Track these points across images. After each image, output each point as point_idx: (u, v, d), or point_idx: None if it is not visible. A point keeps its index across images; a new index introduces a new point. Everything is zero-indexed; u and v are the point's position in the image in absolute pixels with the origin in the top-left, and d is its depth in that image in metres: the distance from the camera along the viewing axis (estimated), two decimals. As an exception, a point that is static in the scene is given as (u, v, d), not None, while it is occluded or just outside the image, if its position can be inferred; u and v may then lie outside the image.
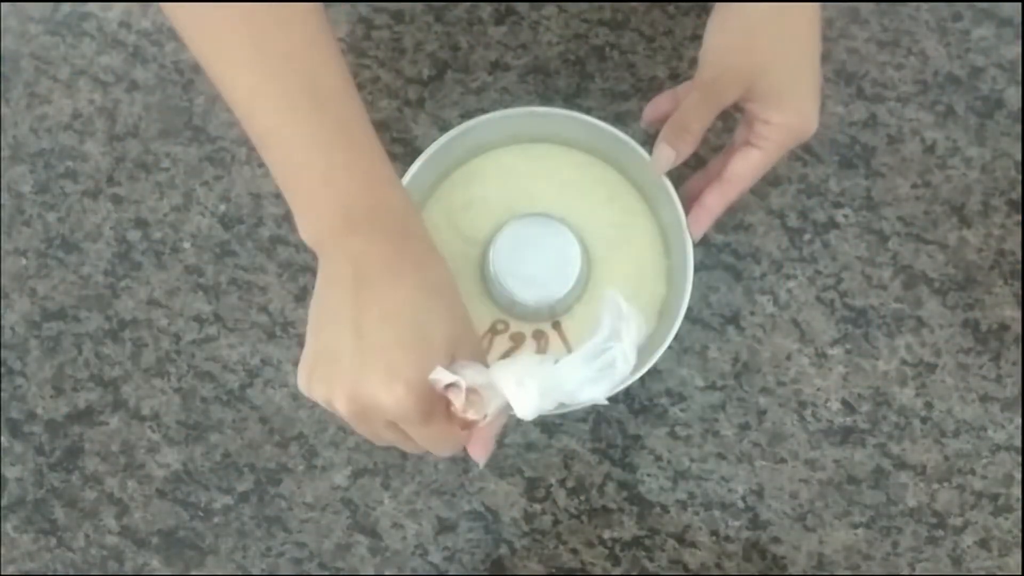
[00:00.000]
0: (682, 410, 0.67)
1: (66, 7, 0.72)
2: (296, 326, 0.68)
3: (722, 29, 0.54)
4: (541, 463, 0.66)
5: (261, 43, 0.46)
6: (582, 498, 0.66)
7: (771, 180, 0.69)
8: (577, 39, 0.71)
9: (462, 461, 0.66)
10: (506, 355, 0.61)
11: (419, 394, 0.43)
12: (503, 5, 0.71)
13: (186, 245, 0.69)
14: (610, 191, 0.63)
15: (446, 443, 0.47)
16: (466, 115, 0.70)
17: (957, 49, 0.70)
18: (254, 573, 0.66)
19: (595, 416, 0.67)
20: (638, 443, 0.66)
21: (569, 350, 0.61)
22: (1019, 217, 0.68)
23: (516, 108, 0.61)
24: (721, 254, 0.68)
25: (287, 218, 0.69)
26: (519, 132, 0.62)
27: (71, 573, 0.66)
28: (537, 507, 0.66)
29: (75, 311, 0.69)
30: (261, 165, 0.70)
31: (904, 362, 0.67)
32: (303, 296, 0.68)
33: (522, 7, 0.71)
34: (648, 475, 0.66)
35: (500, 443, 0.66)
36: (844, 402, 0.66)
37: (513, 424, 0.67)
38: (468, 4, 0.71)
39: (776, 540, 0.65)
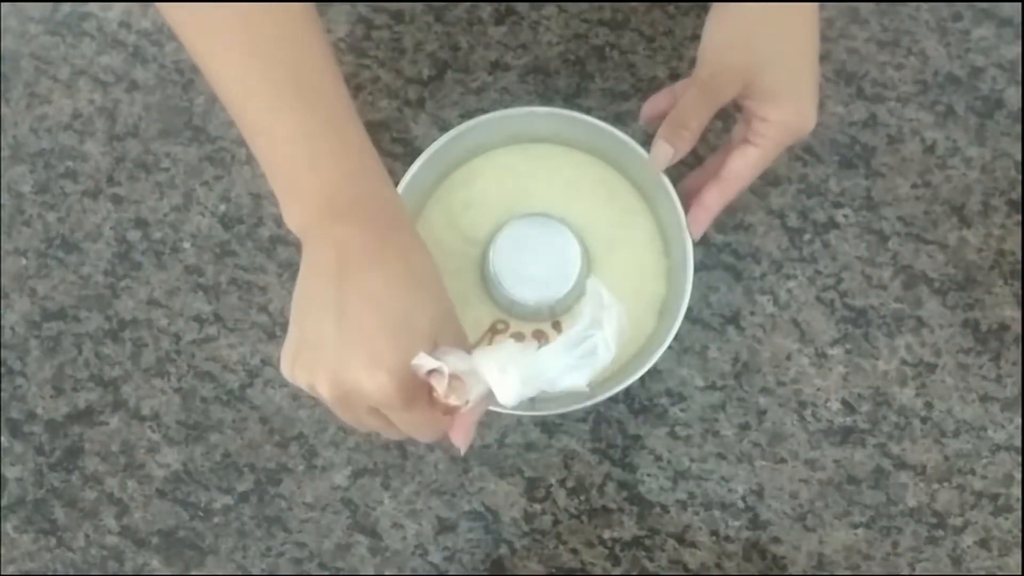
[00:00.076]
0: (682, 410, 0.67)
1: (66, 7, 0.72)
2: (296, 326, 0.68)
3: (720, 27, 0.55)
4: (541, 463, 0.66)
5: (250, 34, 0.47)
6: (582, 498, 0.66)
7: (771, 180, 0.69)
8: (577, 39, 0.71)
9: (462, 461, 0.66)
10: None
11: (401, 380, 0.44)
12: (503, 5, 0.71)
13: (186, 245, 0.69)
14: (610, 191, 0.63)
15: (428, 429, 0.47)
16: (466, 115, 0.70)
17: (957, 49, 0.70)
18: (254, 573, 0.66)
19: (595, 416, 0.67)
20: (638, 443, 0.66)
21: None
22: (1019, 217, 0.68)
23: (516, 108, 0.61)
24: (721, 254, 0.68)
25: (287, 218, 0.69)
26: (519, 132, 0.62)
27: (71, 573, 0.66)
28: (537, 507, 0.66)
29: (75, 311, 0.69)
30: (261, 165, 0.70)
31: (904, 362, 0.67)
32: (303, 296, 0.68)
33: (522, 7, 0.71)
34: (648, 475, 0.66)
35: (500, 443, 0.66)
36: (844, 402, 0.66)
37: (513, 424, 0.67)
38: (468, 4, 0.71)
39: (776, 540, 0.65)
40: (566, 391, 0.45)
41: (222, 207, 0.70)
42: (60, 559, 0.66)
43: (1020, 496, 0.65)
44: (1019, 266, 0.68)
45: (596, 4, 0.71)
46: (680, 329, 0.57)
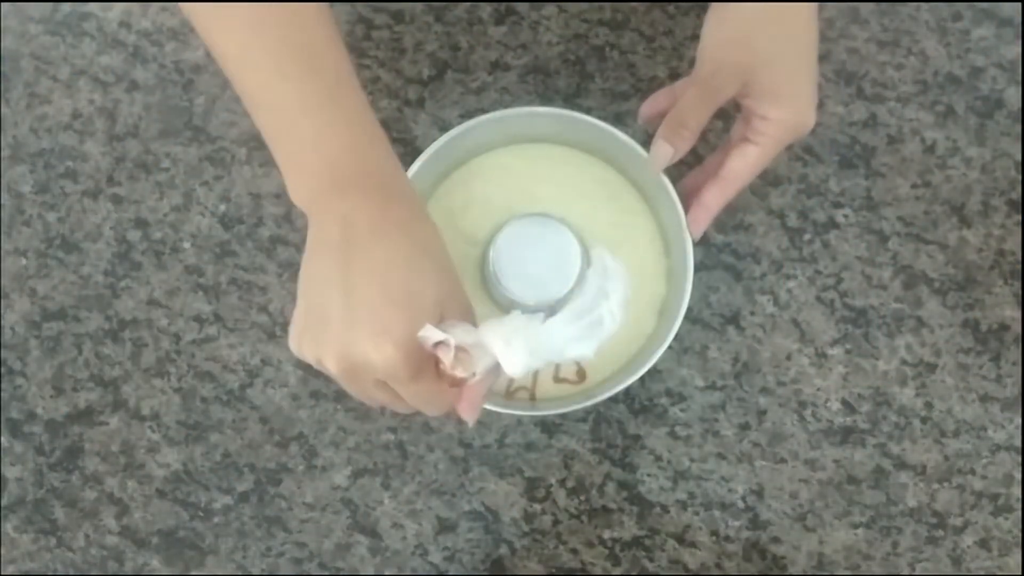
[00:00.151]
0: (682, 410, 0.67)
1: (66, 7, 0.72)
2: (296, 326, 0.68)
3: (720, 25, 0.55)
4: (541, 463, 0.66)
5: (253, 7, 0.47)
6: (582, 498, 0.66)
7: (771, 180, 0.69)
8: (577, 39, 0.71)
9: (462, 461, 0.66)
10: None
11: (408, 352, 0.44)
12: (503, 5, 0.71)
13: (186, 245, 0.69)
14: (610, 191, 0.63)
15: (435, 401, 0.47)
16: (466, 115, 0.70)
17: (957, 49, 0.70)
18: (254, 573, 0.66)
19: (595, 416, 0.67)
20: (638, 443, 0.66)
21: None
22: (1019, 217, 0.68)
23: (516, 108, 0.61)
24: (721, 254, 0.68)
25: (287, 218, 0.69)
26: (519, 132, 0.62)
27: (71, 573, 0.66)
28: (537, 507, 0.66)
29: (75, 311, 0.69)
30: (262, 165, 0.70)
31: (904, 362, 0.67)
32: (303, 296, 0.68)
33: (522, 7, 0.71)
34: (648, 475, 0.66)
35: (500, 443, 0.66)
36: (844, 402, 0.67)
37: (513, 424, 0.67)
38: (468, 4, 0.71)
39: (776, 540, 0.65)
40: (573, 360, 0.45)
41: (222, 207, 0.70)
42: (60, 559, 0.66)
43: (1020, 496, 0.65)
44: (1019, 266, 0.68)
45: (596, 4, 0.71)
46: (680, 329, 0.57)
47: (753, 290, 0.68)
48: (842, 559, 0.65)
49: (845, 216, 0.68)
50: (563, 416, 0.67)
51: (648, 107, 0.59)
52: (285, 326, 0.68)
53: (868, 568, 0.65)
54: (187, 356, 0.68)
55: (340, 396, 0.67)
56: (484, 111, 0.60)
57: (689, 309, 0.57)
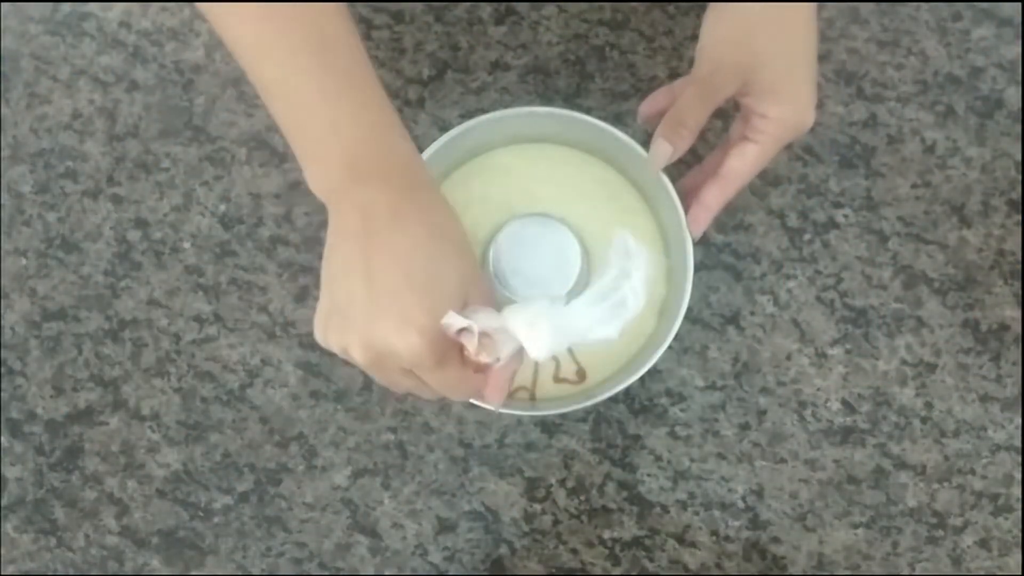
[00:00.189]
0: (682, 410, 0.67)
1: (66, 7, 0.72)
2: (296, 326, 0.68)
3: (719, 25, 0.55)
4: (541, 463, 0.66)
5: None
6: (582, 498, 0.66)
7: (771, 180, 0.69)
8: (577, 39, 0.71)
9: (462, 461, 0.66)
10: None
11: (432, 339, 0.44)
12: (503, 5, 0.71)
13: (186, 245, 0.69)
14: (610, 191, 0.63)
15: (461, 387, 0.48)
16: (466, 115, 0.70)
17: (957, 49, 0.70)
18: (254, 573, 0.66)
19: (595, 416, 0.67)
20: (638, 443, 0.66)
21: (569, 350, 0.61)
22: (1019, 217, 0.68)
23: (516, 108, 0.61)
24: (721, 254, 0.68)
25: (287, 218, 0.69)
26: (519, 132, 0.62)
27: (71, 573, 0.66)
28: (537, 507, 0.66)
29: (75, 311, 0.69)
30: (261, 165, 0.70)
31: (904, 362, 0.67)
32: (303, 296, 0.68)
33: (522, 7, 0.71)
34: (648, 475, 0.66)
35: (500, 443, 0.66)
36: (844, 402, 0.67)
37: (513, 424, 0.67)
38: (468, 4, 0.71)
39: (776, 540, 0.65)
40: (596, 342, 0.45)
41: (222, 207, 0.70)
42: (60, 559, 0.66)
43: (1020, 496, 0.65)
44: (1019, 266, 0.68)
45: (596, 4, 0.71)
46: (680, 329, 0.57)
47: (753, 290, 0.68)
48: (842, 559, 0.65)
49: (845, 216, 0.68)
50: (563, 416, 0.67)
51: (647, 106, 0.59)
52: (285, 326, 0.68)
53: (868, 568, 0.65)
54: (187, 356, 0.68)
55: (340, 396, 0.67)
56: (484, 111, 0.60)
57: (689, 309, 0.57)
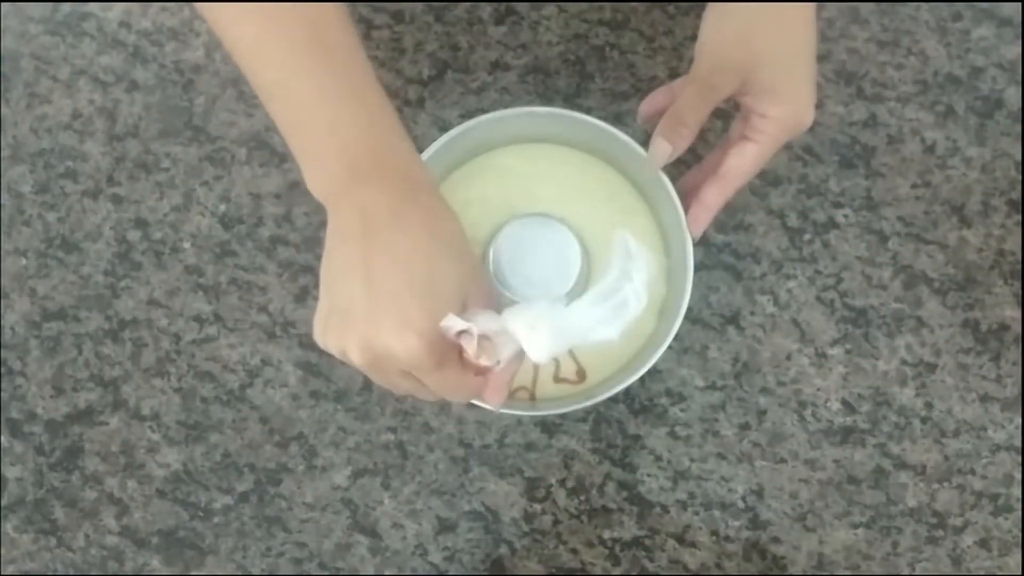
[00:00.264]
0: (682, 410, 0.67)
1: (66, 7, 0.72)
2: (296, 326, 0.68)
3: (719, 24, 0.55)
4: (541, 463, 0.66)
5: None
6: (582, 498, 0.66)
7: (771, 180, 0.69)
8: (577, 39, 0.71)
9: (462, 461, 0.66)
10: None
11: (431, 342, 0.44)
12: (503, 5, 0.71)
13: (186, 245, 0.69)
14: (610, 191, 0.63)
15: (460, 390, 0.47)
16: (466, 115, 0.70)
17: (957, 49, 0.70)
18: (254, 573, 0.66)
19: (595, 416, 0.67)
20: (638, 443, 0.66)
21: (570, 350, 0.61)
22: (1019, 217, 0.68)
23: (516, 108, 0.61)
24: (721, 254, 0.68)
25: (287, 218, 0.69)
26: (519, 132, 0.62)
27: (71, 573, 0.66)
28: (537, 507, 0.66)
29: (75, 311, 0.69)
30: (262, 165, 0.70)
31: (904, 362, 0.67)
32: (303, 296, 0.68)
33: (522, 7, 0.71)
34: (648, 475, 0.66)
35: (500, 443, 0.66)
36: (844, 402, 0.67)
37: (513, 424, 0.67)
38: (468, 4, 0.71)
39: (776, 540, 0.65)
40: (597, 343, 0.45)
41: (222, 207, 0.70)
42: (60, 559, 0.66)
43: (1020, 496, 0.65)
44: (1019, 266, 0.68)
45: (596, 4, 0.71)
46: (680, 329, 0.57)
47: (753, 290, 0.68)
48: (842, 559, 0.65)
49: (845, 216, 0.68)
50: (563, 416, 0.67)
51: (647, 105, 0.59)
52: (285, 326, 0.68)
53: (868, 568, 0.65)
54: (187, 356, 0.68)
55: (340, 396, 0.67)
56: (484, 111, 0.60)
57: (689, 309, 0.57)
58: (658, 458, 0.66)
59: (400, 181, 0.47)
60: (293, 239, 0.69)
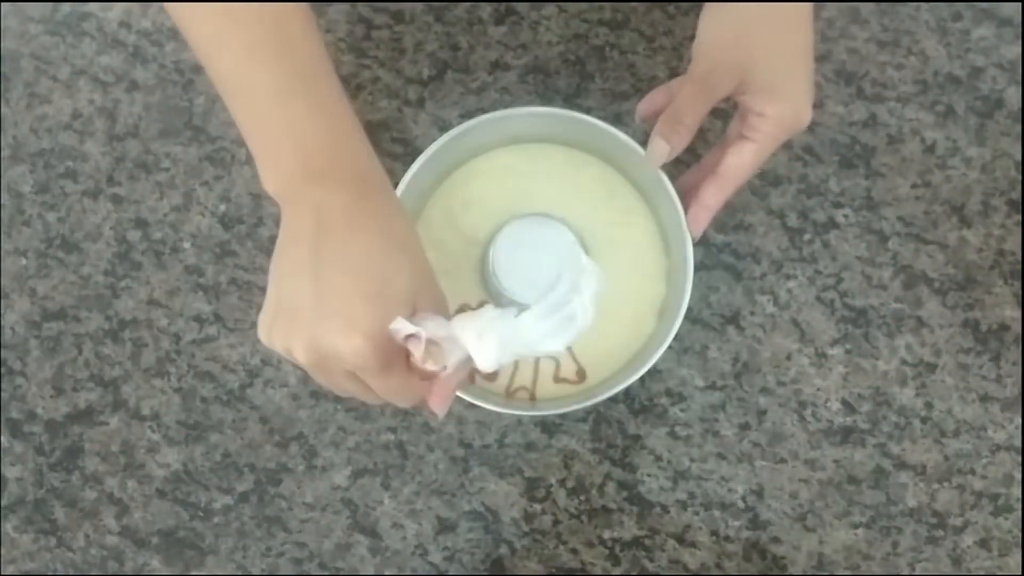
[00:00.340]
0: (682, 410, 0.67)
1: (66, 7, 0.72)
2: (296, 326, 0.68)
3: (716, 24, 0.55)
4: (541, 463, 0.66)
5: None
6: (582, 498, 0.66)
7: (771, 180, 0.69)
8: (577, 39, 0.71)
9: (462, 461, 0.66)
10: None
11: (377, 344, 0.44)
12: (503, 5, 0.71)
13: (186, 245, 0.69)
14: (609, 191, 0.63)
15: (405, 394, 0.47)
16: (466, 115, 0.70)
17: (957, 49, 0.70)
18: (254, 573, 0.66)
19: (595, 416, 0.67)
20: (638, 443, 0.66)
21: (569, 350, 0.61)
22: (1019, 217, 0.68)
23: (516, 108, 0.61)
24: (721, 254, 0.68)
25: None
26: (519, 132, 0.62)
27: (71, 573, 0.66)
28: (537, 507, 0.66)
29: (75, 311, 0.69)
30: (261, 165, 0.70)
31: (904, 362, 0.67)
32: (303, 296, 0.68)
33: (522, 7, 0.71)
34: (648, 475, 0.66)
35: (500, 443, 0.66)
36: (844, 402, 0.67)
37: (513, 424, 0.67)
38: (468, 4, 0.71)
39: (776, 540, 0.65)
40: (543, 355, 0.45)
41: (222, 207, 0.70)
42: (60, 559, 0.66)
43: (1020, 496, 0.65)
44: (1019, 266, 0.68)
45: (596, 4, 0.71)
46: (680, 329, 0.57)
47: (753, 290, 0.68)
48: (842, 559, 0.65)
49: (845, 216, 0.68)
50: (563, 416, 0.67)
51: (645, 105, 0.59)
52: (285, 326, 0.68)
53: (868, 568, 0.65)
54: (187, 356, 0.68)
55: (340, 396, 0.67)
56: (484, 111, 0.60)
57: (689, 309, 0.57)
58: (658, 458, 0.66)
59: (355, 182, 0.47)
60: (293, 239, 0.69)
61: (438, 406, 0.48)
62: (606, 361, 0.61)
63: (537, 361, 0.61)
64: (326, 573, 0.66)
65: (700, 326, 0.67)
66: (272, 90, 0.47)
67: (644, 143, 0.58)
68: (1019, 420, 0.66)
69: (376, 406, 0.66)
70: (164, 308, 0.69)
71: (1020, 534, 0.65)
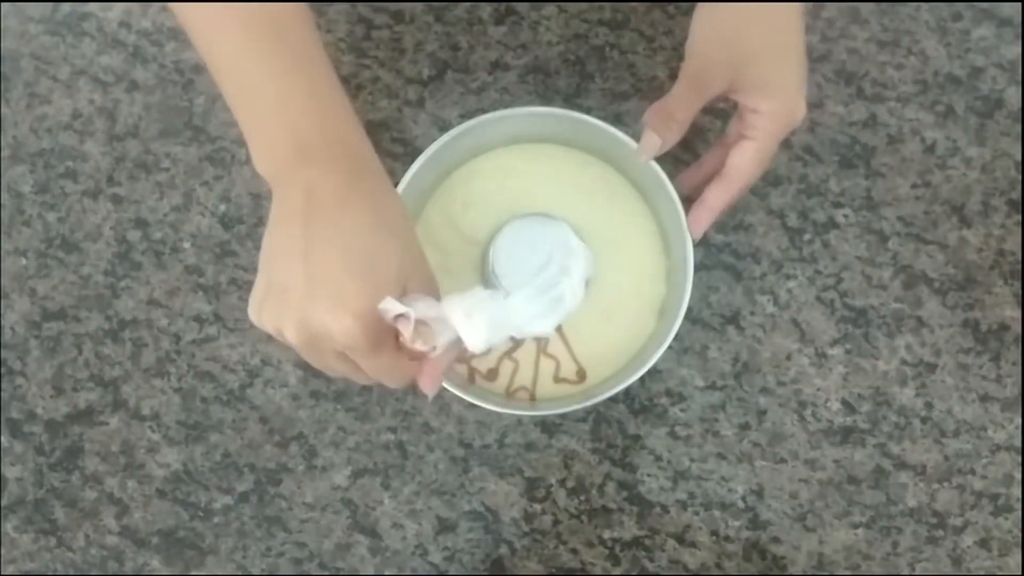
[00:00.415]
0: (682, 410, 0.67)
1: (66, 7, 0.72)
2: (296, 326, 0.68)
3: (708, 23, 0.55)
4: (541, 463, 0.66)
5: None
6: (582, 498, 0.66)
7: (771, 180, 0.69)
8: (577, 39, 0.71)
9: (462, 461, 0.66)
10: (507, 355, 0.61)
11: (367, 324, 0.44)
12: (503, 5, 0.71)
13: (186, 245, 0.69)
14: (610, 191, 0.63)
15: (395, 374, 0.47)
16: (466, 115, 0.70)
17: (957, 49, 0.70)
18: (254, 573, 0.66)
19: (595, 416, 0.67)
20: (638, 443, 0.66)
21: (569, 350, 0.61)
22: (1019, 217, 0.68)
23: (516, 108, 0.61)
24: (721, 254, 0.68)
25: (287, 218, 0.69)
26: (519, 132, 0.62)
27: (71, 573, 0.66)
28: (537, 507, 0.66)
29: (75, 311, 0.69)
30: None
31: (904, 362, 0.67)
32: (303, 296, 0.68)
33: (522, 7, 0.71)
34: (648, 475, 0.66)
35: (500, 443, 0.66)
36: (844, 402, 0.66)
37: (513, 424, 0.67)
38: (468, 4, 0.71)
39: (776, 540, 0.65)
40: (532, 336, 0.45)
41: (222, 207, 0.70)
42: (60, 559, 0.66)
43: (1020, 496, 0.65)
44: (1019, 266, 0.68)
45: (596, 4, 0.71)
46: (680, 329, 0.57)
47: (753, 290, 0.68)
48: (842, 559, 0.65)
49: (845, 216, 0.68)
50: (563, 416, 0.67)
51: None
52: (285, 326, 0.68)
53: (868, 568, 0.65)
54: (187, 356, 0.68)
55: (340, 396, 0.67)
56: (484, 111, 0.60)
57: (689, 309, 0.57)
58: (658, 458, 0.66)
59: (347, 163, 0.47)
60: (293, 239, 0.69)
61: (427, 386, 0.48)
62: (606, 361, 0.61)
63: (537, 361, 0.61)
64: (326, 573, 0.66)
65: (700, 326, 0.67)
66: (265, 69, 0.47)
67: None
68: (1019, 420, 0.66)
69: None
70: (164, 308, 0.69)
71: (1020, 534, 0.65)
